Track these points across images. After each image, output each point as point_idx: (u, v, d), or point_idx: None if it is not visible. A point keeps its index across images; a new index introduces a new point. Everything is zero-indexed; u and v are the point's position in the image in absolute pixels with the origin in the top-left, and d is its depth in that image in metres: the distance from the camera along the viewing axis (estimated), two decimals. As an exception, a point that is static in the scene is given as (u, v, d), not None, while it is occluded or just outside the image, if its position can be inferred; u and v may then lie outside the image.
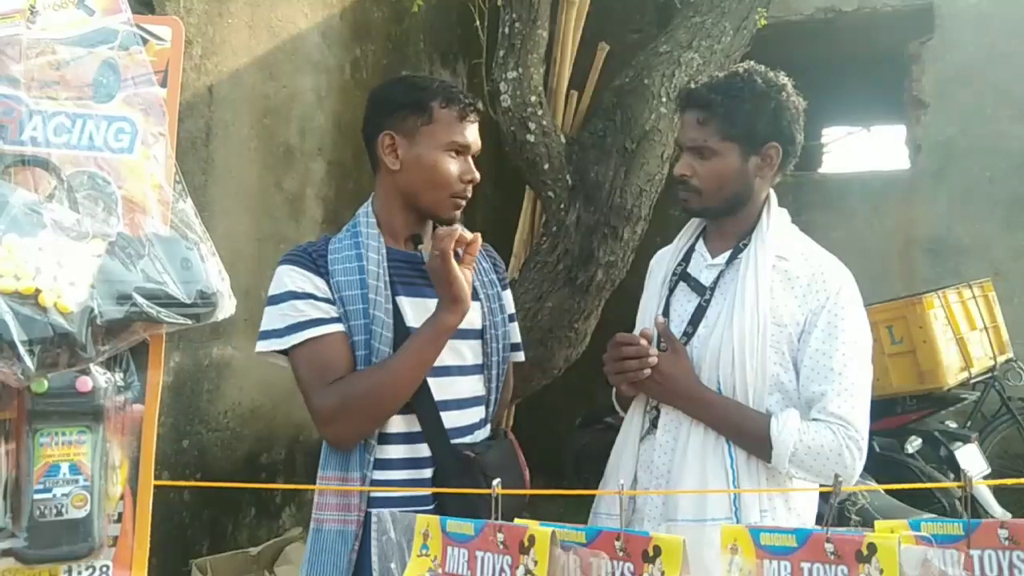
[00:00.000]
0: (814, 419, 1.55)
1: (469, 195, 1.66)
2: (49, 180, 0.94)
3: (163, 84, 1.01)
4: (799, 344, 1.60)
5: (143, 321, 0.92)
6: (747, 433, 1.58)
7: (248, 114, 3.63)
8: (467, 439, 1.63)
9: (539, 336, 3.41)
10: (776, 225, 1.70)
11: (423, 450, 1.58)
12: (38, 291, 0.86)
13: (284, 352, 1.56)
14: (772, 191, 1.74)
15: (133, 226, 0.96)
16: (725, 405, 1.60)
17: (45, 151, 0.95)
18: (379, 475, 1.55)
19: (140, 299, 0.91)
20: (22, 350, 0.84)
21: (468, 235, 1.54)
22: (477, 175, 1.66)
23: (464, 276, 1.52)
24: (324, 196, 4.09)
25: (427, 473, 1.57)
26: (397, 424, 1.57)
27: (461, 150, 1.63)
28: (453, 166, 1.61)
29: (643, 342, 1.63)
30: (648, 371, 1.62)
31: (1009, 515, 3.68)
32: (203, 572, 3.18)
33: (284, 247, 3.65)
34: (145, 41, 1.01)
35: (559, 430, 5.01)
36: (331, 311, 1.56)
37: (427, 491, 1.54)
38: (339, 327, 1.55)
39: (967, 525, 0.88)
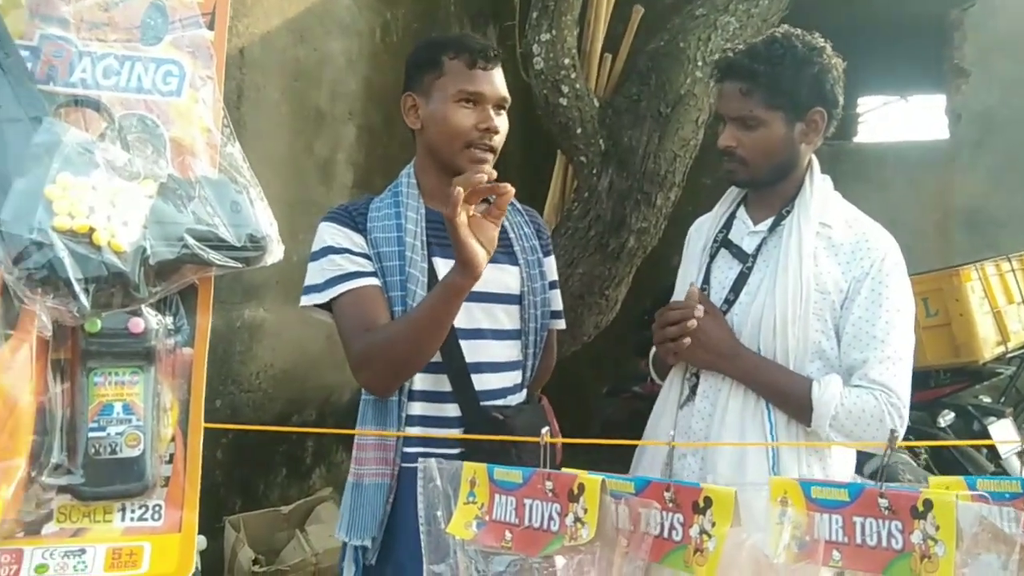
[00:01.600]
0: (855, 385, 1.54)
1: (492, 145, 1.61)
2: (100, 121, 0.94)
3: (210, 27, 1.01)
4: (841, 311, 1.59)
5: (194, 263, 0.93)
6: (788, 395, 1.57)
7: (279, 77, 3.62)
8: (500, 402, 1.63)
9: (569, 302, 3.37)
10: (819, 192, 1.67)
11: (453, 410, 1.59)
12: (92, 230, 0.87)
13: (324, 306, 1.58)
14: (815, 157, 1.72)
15: (182, 169, 0.96)
16: (767, 366, 1.59)
17: (95, 93, 0.95)
18: (410, 431, 1.56)
19: (191, 240, 0.91)
20: (77, 288, 0.85)
21: (486, 183, 1.39)
22: (496, 124, 1.60)
23: (484, 236, 1.41)
24: (354, 161, 4.08)
25: (456, 433, 1.58)
26: (428, 383, 1.58)
27: (472, 98, 1.59)
28: (465, 116, 1.58)
29: (689, 304, 1.62)
30: (689, 335, 1.60)
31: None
32: (236, 529, 3.22)
33: (315, 212, 3.64)
34: (193, -17, 1.00)
35: (586, 398, 5.03)
36: (367, 265, 1.58)
37: (466, 437, 1.55)
38: (375, 280, 1.57)
39: (1025, 482, 0.87)
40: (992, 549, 0.82)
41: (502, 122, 1.63)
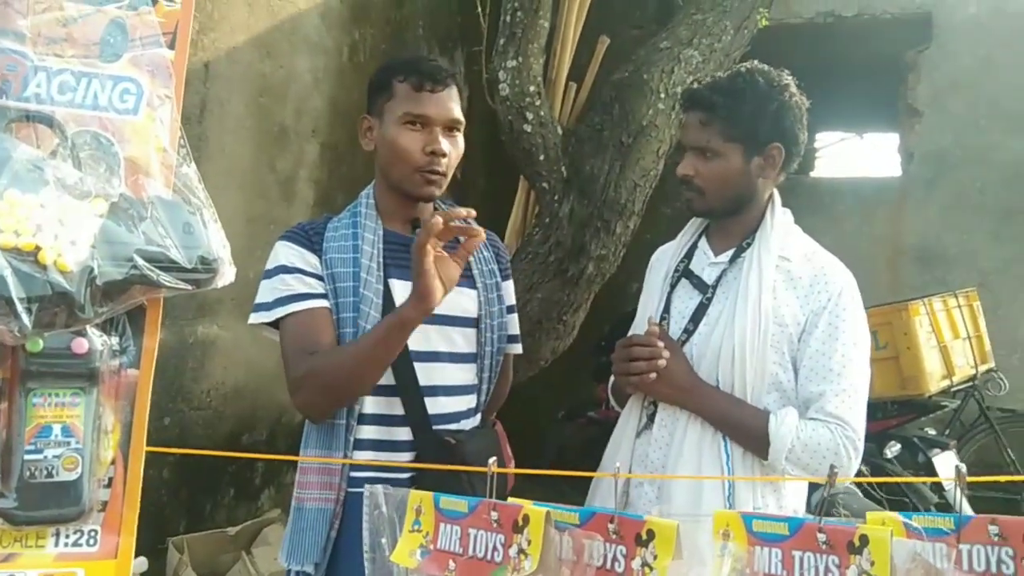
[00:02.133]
0: (812, 418, 1.56)
1: (439, 168, 1.59)
2: (52, 138, 0.93)
3: (171, 46, 1.00)
4: (799, 344, 1.60)
5: (143, 284, 0.91)
6: (745, 428, 1.58)
7: (244, 93, 3.59)
8: (453, 426, 1.62)
9: (527, 327, 3.39)
10: (779, 225, 1.69)
11: (404, 433, 1.58)
12: (38, 248, 0.85)
13: (273, 325, 1.58)
14: (776, 191, 1.74)
15: (136, 188, 0.94)
16: (725, 399, 1.60)
17: (49, 108, 0.93)
18: (359, 455, 1.55)
19: (141, 261, 0.90)
20: (20, 307, 0.83)
21: (461, 222, 1.40)
22: (443, 147, 1.58)
23: (446, 273, 1.43)
24: (317, 179, 4.07)
25: (407, 457, 1.57)
26: (380, 406, 1.57)
27: (418, 120, 1.58)
28: (412, 139, 1.58)
29: (658, 343, 1.63)
30: (655, 373, 1.61)
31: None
32: (180, 550, 3.15)
33: (275, 228, 3.62)
34: (154, 1, 0.99)
35: (541, 423, 5.03)
36: (318, 287, 1.57)
37: (414, 466, 1.54)
38: (324, 303, 1.56)
39: (958, 520, 0.89)
40: (924, 585, 0.84)
41: (453, 144, 1.61)
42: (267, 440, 3.83)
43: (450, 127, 1.62)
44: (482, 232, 1.44)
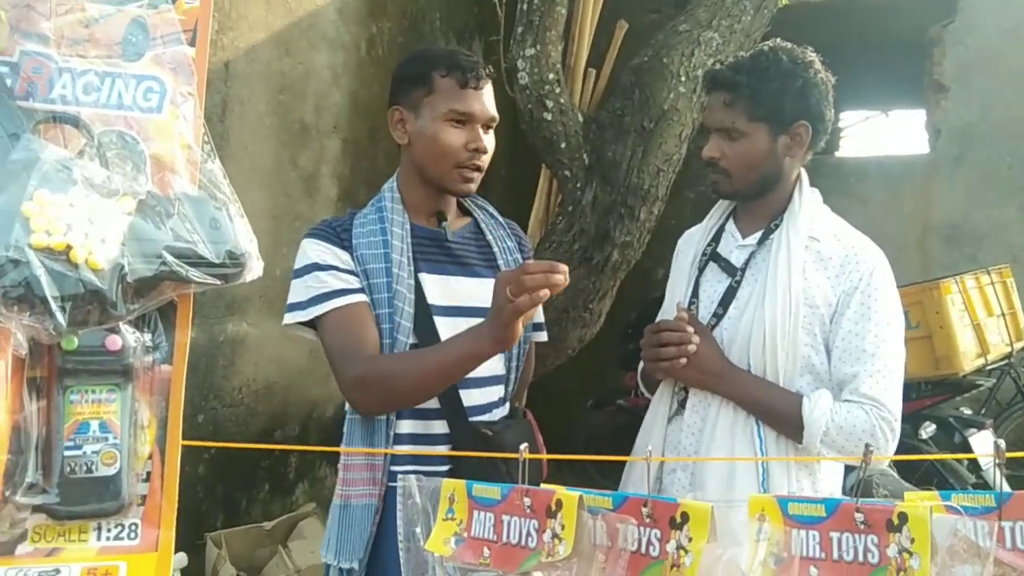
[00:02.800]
0: (846, 400, 1.54)
1: (480, 165, 1.61)
2: (79, 138, 0.94)
3: (192, 43, 1.01)
4: (831, 325, 1.58)
5: (172, 280, 0.92)
6: (779, 412, 1.57)
7: (264, 90, 3.62)
8: (485, 417, 1.63)
9: (554, 316, 3.40)
10: (808, 205, 1.67)
11: (441, 427, 1.58)
12: (69, 247, 0.86)
13: (309, 324, 1.56)
14: (803, 171, 1.72)
15: (162, 185, 0.96)
16: (757, 383, 1.59)
17: (74, 109, 0.94)
18: (398, 449, 1.55)
19: (170, 258, 0.91)
20: (54, 306, 0.84)
21: (560, 283, 1.35)
22: (485, 144, 1.60)
23: (525, 318, 1.40)
24: (339, 174, 4.09)
25: (443, 450, 1.57)
26: None
27: (463, 118, 1.58)
28: (455, 136, 1.58)
29: (688, 328, 1.62)
30: (685, 358, 1.60)
31: None
32: (217, 546, 3.20)
33: (299, 225, 3.65)
34: (174, 0, 1.00)
35: (570, 411, 5.03)
36: (354, 282, 1.56)
37: (451, 455, 1.54)
38: (363, 297, 1.55)
39: (999, 496, 0.87)
40: (966, 561, 0.83)
41: (490, 141, 1.62)
42: (299, 435, 3.86)
43: (488, 124, 1.62)
44: (565, 280, 1.37)
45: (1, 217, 0.85)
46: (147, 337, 0.97)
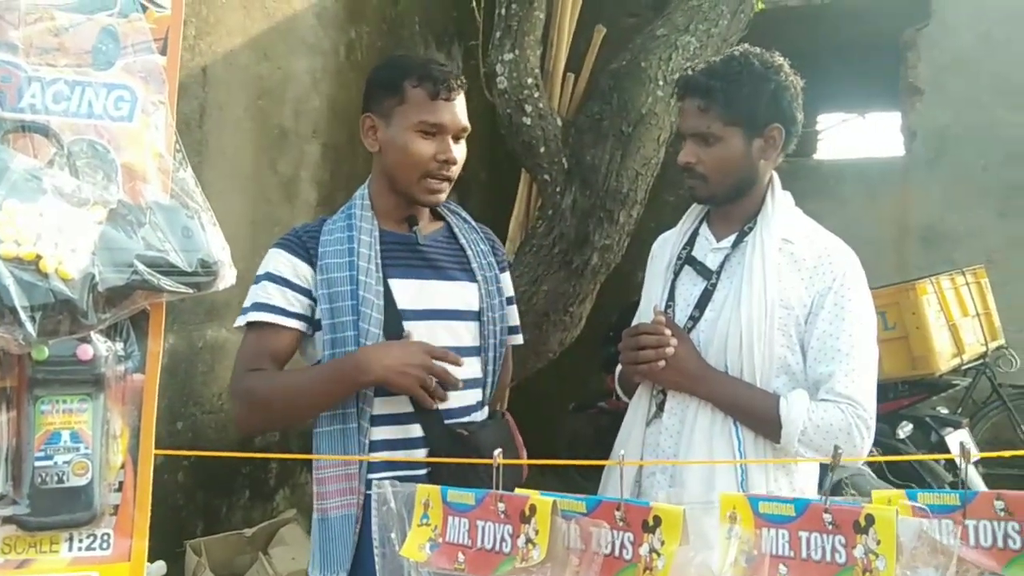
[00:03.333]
0: (822, 399, 1.56)
1: (449, 175, 1.62)
2: (49, 147, 0.93)
3: (163, 52, 1.00)
4: (806, 326, 1.60)
5: (144, 289, 0.92)
6: (756, 413, 1.58)
7: (242, 95, 3.60)
8: (464, 420, 1.63)
9: (534, 320, 3.41)
10: (780, 208, 1.69)
11: (417, 430, 1.58)
12: (39, 257, 0.86)
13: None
14: (775, 174, 1.74)
15: (133, 194, 0.95)
16: (734, 385, 1.60)
17: (44, 118, 0.94)
18: (373, 456, 1.55)
19: (141, 267, 0.91)
20: (23, 316, 0.84)
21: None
22: (455, 155, 1.60)
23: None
24: (319, 179, 4.08)
25: (420, 454, 1.57)
26: (391, 406, 1.57)
27: (432, 130, 1.58)
28: (425, 147, 1.58)
29: (665, 331, 1.63)
30: (663, 361, 1.62)
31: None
32: (197, 553, 3.18)
33: (278, 230, 3.62)
34: (145, 8, 1.00)
35: (551, 415, 5.04)
36: (297, 304, 1.57)
37: (428, 460, 1.54)
38: (295, 324, 1.57)
39: (963, 496, 0.89)
40: (930, 562, 0.85)
41: (460, 151, 1.63)
42: (279, 442, 3.85)
43: (459, 135, 1.63)
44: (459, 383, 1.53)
45: (-31, 227, 0.85)
46: (119, 346, 0.96)
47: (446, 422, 1.59)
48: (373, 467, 1.56)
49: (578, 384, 5.07)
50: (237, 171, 3.58)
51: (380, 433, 1.57)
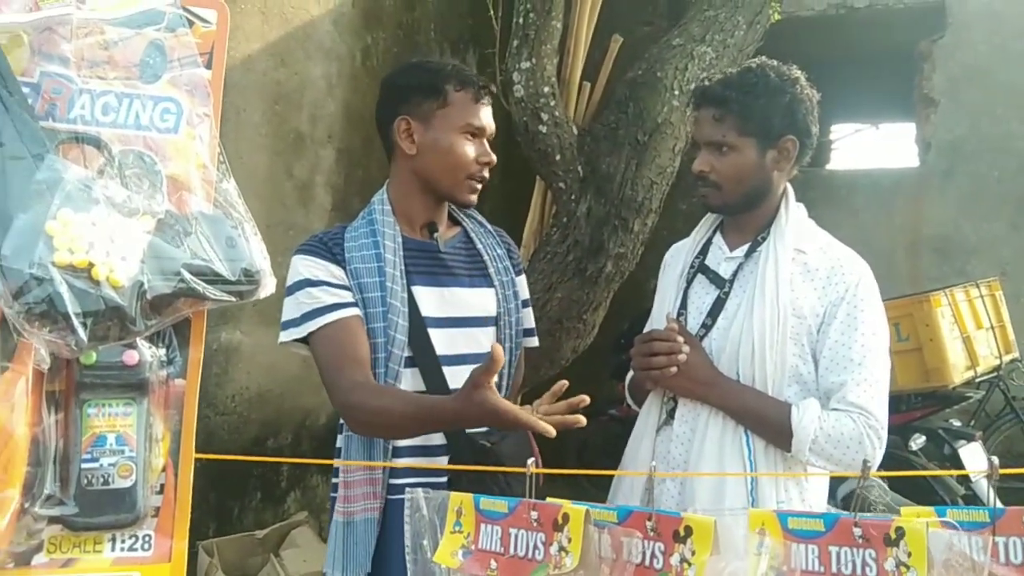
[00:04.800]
0: (834, 408, 1.57)
1: (486, 177, 1.67)
2: (98, 157, 0.96)
3: (208, 66, 1.03)
4: (818, 336, 1.61)
5: (190, 297, 0.94)
6: (768, 421, 1.59)
7: (259, 100, 3.63)
8: (482, 429, 1.64)
9: (548, 327, 3.42)
10: (794, 219, 1.70)
11: (439, 438, 1.59)
12: (91, 265, 0.88)
13: (303, 340, 1.56)
14: (790, 186, 1.76)
15: (179, 204, 0.98)
16: (746, 393, 1.61)
17: (93, 129, 0.96)
18: (398, 462, 1.57)
19: (188, 275, 0.93)
20: (76, 322, 0.86)
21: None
22: (493, 157, 1.66)
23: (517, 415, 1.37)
24: (333, 184, 4.10)
25: (442, 461, 1.58)
26: None
27: (477, 132, 1.64)
28: (470, 148, 1.62)
29: (678, 338, 1.64)
30: (675, 367, 1.63)
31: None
32: (209, 554, 3.19)
33: (293, 234, 3.66)
34: (191, 23, 1.02)
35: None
36: (347, 296, 1.56)
37: (452, 468, 1.55)
38: (355, 311, 1.56)
39: (993, 512, 0.90)
40: (961, 575, 0.86)
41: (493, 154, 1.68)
42: (292, 444, 3.87)
43: (490, 138, 1.68)
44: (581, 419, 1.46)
45: (25, 235, 0.87)
46: (162, 352, 0.99)
47: (468, 431, 1.60)
48: (395, 472, 1.57)
49: (589, 391, 5.06)
50: (253, 175, 3.60)
51: (407, 440, 1.58)
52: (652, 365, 1.65)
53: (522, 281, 1.82)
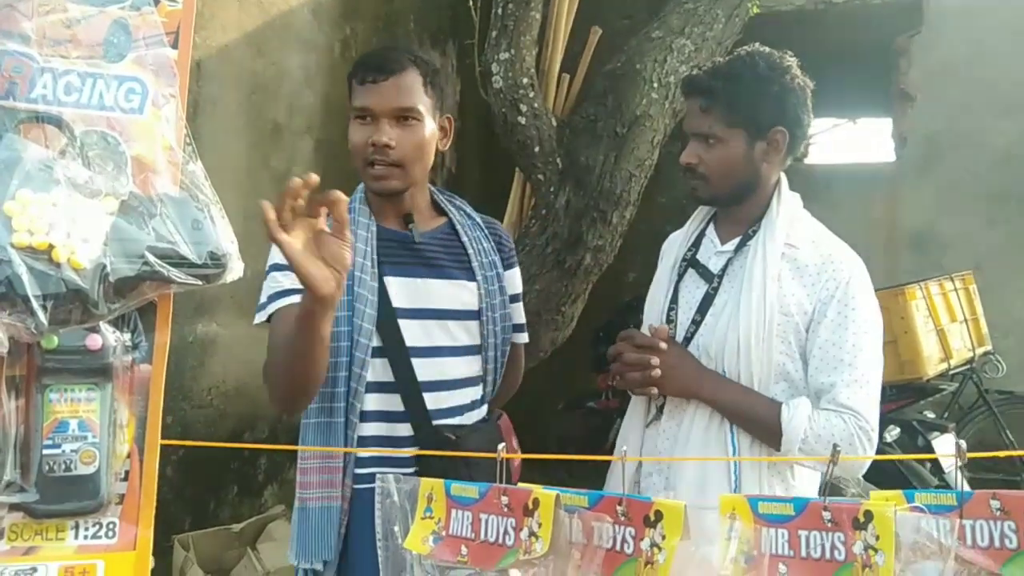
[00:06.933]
0: (824, 409, 1.54)
1: (389, 160, 1.56)
2: (60, 138, 0.94)
3: (174, 45, 1.01)
4: (807, 334, 1.58)
5: (154, 280, 0.93)
6: (758, 419, 1.57)
7: (236, 90, 3.59)
8: (457, 420, 1.63)
9: (526, 319, 3.39)
10: (786, 211, 1.67)
11: (405, 430, 1.59)
12: (51, 246, 0.87)
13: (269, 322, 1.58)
14: (783, 176, 1.72)
15: (144, 186, 0.96)
16: (736, 389, 1.60)
17: (55, 109, 0.94)
18: (358, 449, 1.56)
19: (152, 258, 0.91)
20: (35, 304, 0.84)
21: (311, 193, 1.23)
22: (384, 139, 1.54)
23: (328, 253, 1.26)
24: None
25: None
26: (381, 403, 1.58)
27: (361, 114, 1.58)
28: (357, 133, 1.59)
29: (648, 355, 1.63)
30: (654, 383, 1.62)
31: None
32: (185, 548, 3.17)
33: (271, 225, 3.62)
34: (156, 2, 1.01)
35: (541, 414, 5.05)
36: None
37: (418, 453, 1.54)
38: None
39: (960, 496, 0.90)
40: (929, 557, 0.86)
41: (405, 133, 1.57)
42: (268, 437, 3.84)
43: (400, 116, 1.57)
44: (340, 195, 1.24)
45: (-17, 216, 0.85)
46: (127, 337, 0.97)
47: (436, 422, 1.59)
48: (360, 462, 1.56)
49: (568, 384, 5.08)
50: (230, 166, 3.57)
51: (369, 429, 1.57)
52: (628, 381, 1.65)
53: (514, 275, 1.80)
